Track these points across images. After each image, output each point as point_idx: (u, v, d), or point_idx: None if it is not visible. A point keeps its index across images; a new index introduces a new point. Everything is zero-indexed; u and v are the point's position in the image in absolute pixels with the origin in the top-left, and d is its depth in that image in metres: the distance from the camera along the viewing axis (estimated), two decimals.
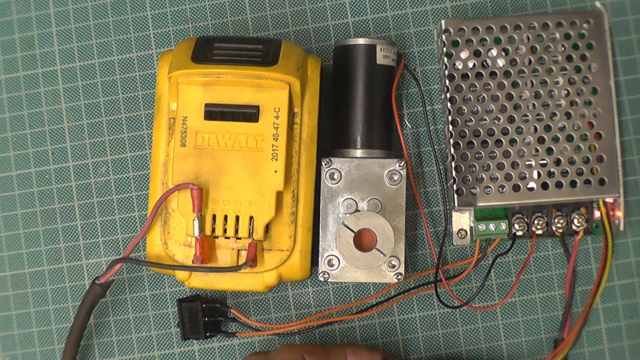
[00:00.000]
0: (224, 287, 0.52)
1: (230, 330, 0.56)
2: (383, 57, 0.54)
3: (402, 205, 0.53)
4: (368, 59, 0.54)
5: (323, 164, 0.53)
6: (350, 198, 0.53)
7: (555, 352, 0.55)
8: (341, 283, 0.57)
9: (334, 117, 0.55)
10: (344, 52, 0.55)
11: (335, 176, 0.53)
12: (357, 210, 0.53)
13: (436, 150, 0.57)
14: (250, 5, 0.59)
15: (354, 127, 0.54)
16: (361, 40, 0.54)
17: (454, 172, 0.54)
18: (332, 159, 0.53)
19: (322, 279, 0.53)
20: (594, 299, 0.55)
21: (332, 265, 0.53)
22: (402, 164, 0.53)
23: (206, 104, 0.51)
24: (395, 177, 0.53)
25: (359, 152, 0.54)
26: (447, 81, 0.54)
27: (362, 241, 0.52)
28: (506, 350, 0.56)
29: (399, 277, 0.53)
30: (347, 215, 0.53)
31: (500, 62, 0.54)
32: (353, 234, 0.52)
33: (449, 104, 0.54)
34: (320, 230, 0.53)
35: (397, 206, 0.53)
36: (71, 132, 0.58)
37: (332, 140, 0.55)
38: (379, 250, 0.52)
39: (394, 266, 0.53)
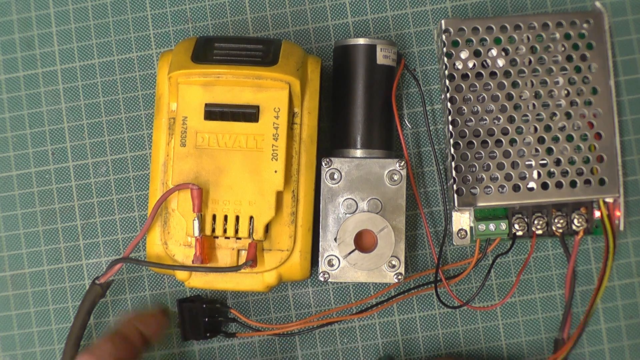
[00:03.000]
0: (224, 287, 0.52)
1: (230, 331, 0.56)
2: (383, 57, 0.54)
3: (402, 205, 0.53)
4: (368, 59, 0.54)
5: (323, 164, 0.53)
6: (350, 198, 0.53)
7: (556, 355, 0.55)
8: (341, 283, 0.57)
9: (334, 117, 0.55)
10: (344, 52, 0.55)
11: (336, 176, 0.53)
12: (355, 211, 0.53)
13: (436, 150, 0.57)
14: (250, 5, 0.59)
15: (354, 127, 0.54)
16: (361, 40, 0.54)
17: (454, 172, 0.54)
18: (332, 159, 0.53)
19: (322, 279, 0.53)
20: (595, 300, 0.55)
21: (332, 265, 0.53)
22: (402, 164, 0.53)
23: (206, 104, 0.51)
24: (396, 177, 0.53)
25: (359, 152, 0.54)
26: (447, 81, 0.54)
27: (363, 242, 0.52)
28: (506, 350, 0.56)
29: (399, 277, 0.53)
30: (345, 216, 0.53)
31: (500, 62, 0.54)
32: (356, 249, 0.52)
33: (449, 104, 0.54)
34: (320, 230, 0.53)
35: (397, 206, 0.53)
36: (71, 132, 0.59)
37: (332, 140, 0.55)
38: (380, 233, 0.52)
39: (394, 266, 0.53)
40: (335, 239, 0.52)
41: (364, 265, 0.52)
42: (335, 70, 0.55)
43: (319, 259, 0.53)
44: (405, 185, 0.53)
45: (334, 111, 0.55)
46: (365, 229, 0.52)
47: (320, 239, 0.53)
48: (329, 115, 0.57)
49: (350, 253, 0.52)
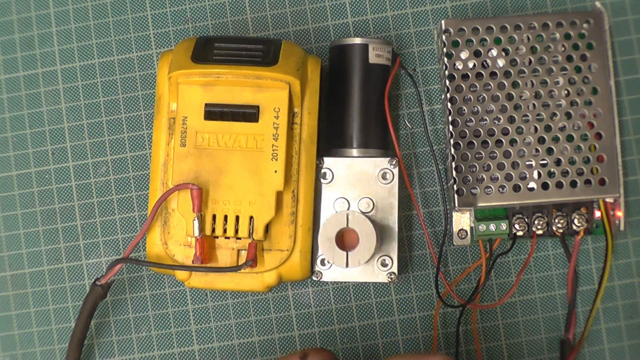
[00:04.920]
0: (224, 287, 0.52)
1: None
2: (376, 55, 0.54)
3: (395, 204, 0.53)
4: (361, 58, 0.54)
5: (317, 163, 0.53)
6: (342, 197, 0.53)
7: (570, 358, 0.55)
8: (341, 283, 0.57)
9: (330, 117, 0.55)
10: (338, 52, 0.55)
11: (327, 175, 0.53)
12: (349, 209, 0.53)
13: (436, 150, 0.57)
14: (250, 5, 0.59)
15: (349, 127, 0.54)
16: (355, 40, 0.54)
17: (454, 172, 0.54)
18: (324, 158, 0.53)
19: (315, 278, 0.53)
20: (597, 299, 0.55)
21: (324, 265, 0.53)
22: (394, 162, 0.53)
23: (206, 104, 0.51)
24: (387, 176, 0.53)
25: (354, 152, 0.54)
26: (447, 81, 0.54)
27: (347, 242, 0.52)
28: (506, 350, 0.56)
29: (392, 276, 0.53)
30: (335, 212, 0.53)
31: (501, 62, 0.54)
32: (347, 252, 0.51)
33: (449, 104, 0.54)
34: (314, 229, 0.53)
35: (389, 205, 0.53)
36: (71, 132, 0.58)
37: (329, 140, 0.55)
38: (350, 224, 0.51)
39: (386, 265, 0.53)
40: (326, 262, 0.52)
41: (364, 258, 0.51)
42: (331, 70, 0.55)
43: (314, 258, 0.53)
44: (399, 184, 0.53)
45: (330, 111, 0.55)
46: (338, 231, 0.51)
47: (315, 239, 0.53)
48: (326, 115, 0.57)
49: (347, 261, 0.51)
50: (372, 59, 0.54)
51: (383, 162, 0.53)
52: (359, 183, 0.53)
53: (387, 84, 0.55)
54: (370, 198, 0.53)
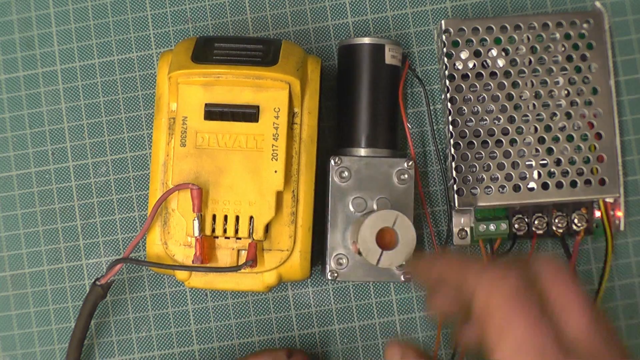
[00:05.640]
0: (224, 287, 0.52)
1: None
2: (391, 57, 0.54)
3: (410, 205, 0.53)
4: (376, 59, 0.54)
5: (332, 162, 0.53)
6: (360, 197, 0.53)
7: None
8: (341, 283, 0.57)
9: (340, 116, 0.55)
10: (351, 52, 0.54)
11: (345, 174, 0.53)
12: (364, 210, 0.53)
13: (438, 150, 0.57)
14: (250, 5, 0.59)
15: (361, 126, 0.54)
16: (370, 40, 0.54)
17: (454, 172, 0.54)
18: (342, 157, 0.53)
19: (330, 278, 0.52)
20: (598, 299, 0.55)
21: (341, 264, 0.53)
22: (410, 164, 0.53)
23: (206, 104, 0.51)
24: (404, 177, 0.53)
25: (363, 151, 0.54)
26: (447, 81, 0.54)
27: (385, 241, 0.51)
28: None
29: (408, 275, 0.52)
30: (354, 215, 0.52)
31: (501, 62, 0.54)
32: (382, 251, 0.50)
33: (449, 104, 0.54)
34: (329, 228, 0.53)
35: (405, 206, 0.53)
36: (71, 132, 0.58)
37: (337, 139, 0.55)
38: (395, 225, 0.50)
39: (401, 265, 0.52)
40: (359, 253, 0.51)
41: (397, 261, 0.50)
42: (341, 69, 0.55)
43: (327, 258, 0.53)
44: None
45: (339, 110, 0.55)
46: (380, 228, 0.51)
47: (328, 238, 0.53)
48: (332, 115, 0.57)
49: (380, 258, 0.51)
50: (388, 59, 0.54)
51: (400, 163, 0.53)
52: (375, 183, 0.53)
53: (397, 84, 0.55)
54: (386, 198, 0.53)
